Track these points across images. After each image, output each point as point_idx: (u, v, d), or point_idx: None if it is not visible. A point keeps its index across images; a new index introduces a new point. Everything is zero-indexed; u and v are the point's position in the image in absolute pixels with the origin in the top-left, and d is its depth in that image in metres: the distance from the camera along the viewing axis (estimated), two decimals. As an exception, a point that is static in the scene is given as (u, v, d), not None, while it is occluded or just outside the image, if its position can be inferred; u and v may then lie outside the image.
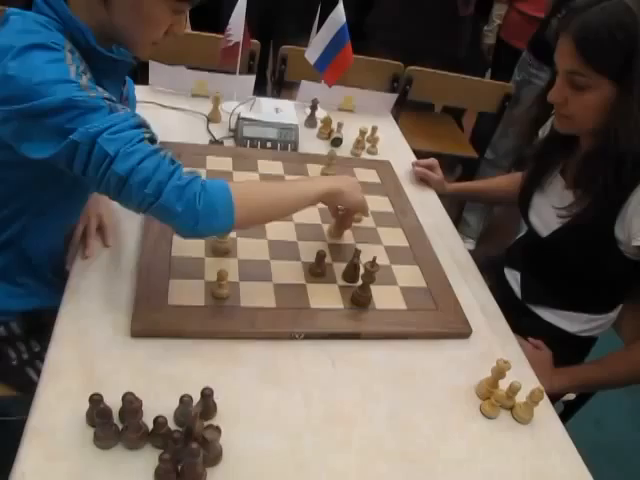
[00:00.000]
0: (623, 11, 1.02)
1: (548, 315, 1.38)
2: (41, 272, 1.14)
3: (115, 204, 1.19)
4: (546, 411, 1.03)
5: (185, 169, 0.91)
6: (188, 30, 2.18)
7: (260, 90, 2.34)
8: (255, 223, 1.07)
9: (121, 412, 0.84)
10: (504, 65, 2.76)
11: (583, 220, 1.19)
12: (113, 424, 0.81)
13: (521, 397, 0.99)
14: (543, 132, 1.37)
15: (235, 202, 0.91)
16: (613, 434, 2.18)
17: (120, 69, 1.05)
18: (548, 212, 1.29)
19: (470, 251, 1.44)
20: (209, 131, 1.60)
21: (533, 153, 1.37)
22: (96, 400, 0.80)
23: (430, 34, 2.61)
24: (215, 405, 0.88)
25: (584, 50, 1.05)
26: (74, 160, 0.85)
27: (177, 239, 1.15)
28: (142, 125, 0.90)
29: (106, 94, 0.89)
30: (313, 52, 1.72)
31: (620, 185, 1.12)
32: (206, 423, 0.85)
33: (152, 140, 0.90)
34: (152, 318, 0.98)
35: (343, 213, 1.22)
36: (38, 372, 0.98)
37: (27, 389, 0.88)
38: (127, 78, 1.27)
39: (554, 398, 1.27)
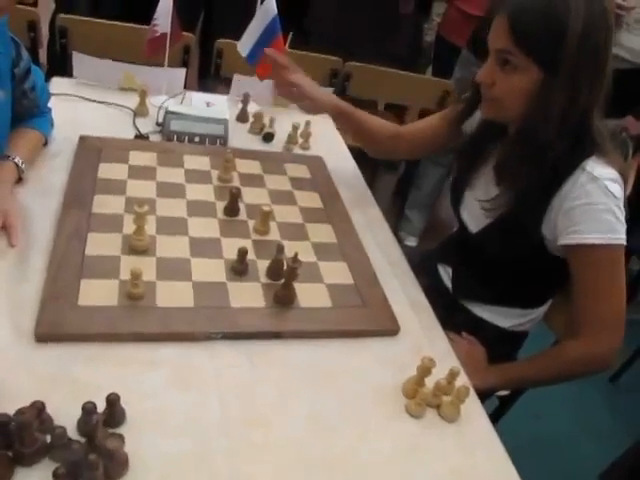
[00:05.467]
0: None
1: (480, 310, 1.37)
2: None
3: (22, 201, 1.13)
4: (473, 408, 1.01)
5: None
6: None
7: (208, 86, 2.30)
8: None
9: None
10: (443, 62, 2.78)
11: (509, 216, 1.18)
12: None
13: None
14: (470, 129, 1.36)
15: None
16: (552, 426, 2.21)
17: None
18: (476, 207, 1.27)
19: (412, 248, 1.42)
20: (135, 125, 1.54)
21: (462, 149, 1.36)
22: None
23: (370, 33, 2.61)
24: (123, 412, 0.83)
25: (515, 30, 1.03)
26: None
27: (92, 237, 1.10)
28: None
29: None
30: (245, 44, 1.67)
31: (543, 179, 1.11)
32: (113, 431, 0.80)
33: None
34: (59, 320, 0.92)
35: None
36: None
37: None
38: (32, 66, 1.20)
39: (487, 394, 1.26)
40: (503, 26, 1.05)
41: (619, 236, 1.07)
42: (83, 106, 1.58)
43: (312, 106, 1.43)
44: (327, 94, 1.46)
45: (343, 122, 1.44)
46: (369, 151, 1.54)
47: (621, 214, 1.07)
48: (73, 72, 1.67)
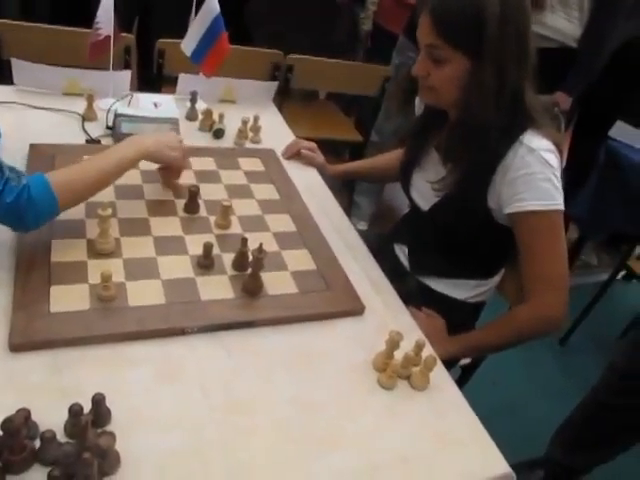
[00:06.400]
0: None
1: (437, 285, 1.43)
2: None
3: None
4: (441, 376, 1.07)
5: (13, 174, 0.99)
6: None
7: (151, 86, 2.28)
8: (84, 199, 1.13)
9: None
10: (381, 49, 2.83)
11: (456, 193, 1.25)
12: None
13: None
14: (418, 111, 1.42)
15: (57, 193, 1.02)
16: (509, 391, 2.32)
17: None
18: (426, 187, 1.33)
19: (363, 232, 1.46)
20: (85, 130, 1.53)
21: (409, 132, 1.42)
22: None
23: (309, 24, 2.64)
24: (109, 411, 0.85)
25: (438, 25, 1.10)
26: None
27: (56, 244, 1.10)
28: None
29: None
30: (189, 43, 1.69)
31: (485, 156, 1.18)
32: (101, 430, 0.82)
33: None
34: (33, 329, 0.93)
35: (164, 170, 1.33)
36: None
37: None
38: None
39: (450, 364, 1.33)
40: (427, 22, 1.12)
41: (557, 202, 1.16)
42: (28, 114, 1.56)
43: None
44: (333, 167, 1.72)
45: (355, 178, 1.62)
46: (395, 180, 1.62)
47: (558, 182, 1.16)
48: (13, 79, 1.65)
